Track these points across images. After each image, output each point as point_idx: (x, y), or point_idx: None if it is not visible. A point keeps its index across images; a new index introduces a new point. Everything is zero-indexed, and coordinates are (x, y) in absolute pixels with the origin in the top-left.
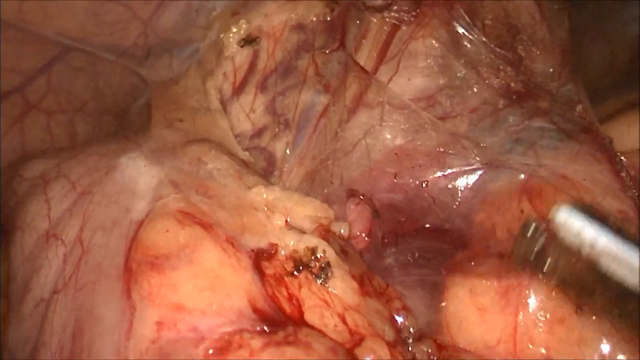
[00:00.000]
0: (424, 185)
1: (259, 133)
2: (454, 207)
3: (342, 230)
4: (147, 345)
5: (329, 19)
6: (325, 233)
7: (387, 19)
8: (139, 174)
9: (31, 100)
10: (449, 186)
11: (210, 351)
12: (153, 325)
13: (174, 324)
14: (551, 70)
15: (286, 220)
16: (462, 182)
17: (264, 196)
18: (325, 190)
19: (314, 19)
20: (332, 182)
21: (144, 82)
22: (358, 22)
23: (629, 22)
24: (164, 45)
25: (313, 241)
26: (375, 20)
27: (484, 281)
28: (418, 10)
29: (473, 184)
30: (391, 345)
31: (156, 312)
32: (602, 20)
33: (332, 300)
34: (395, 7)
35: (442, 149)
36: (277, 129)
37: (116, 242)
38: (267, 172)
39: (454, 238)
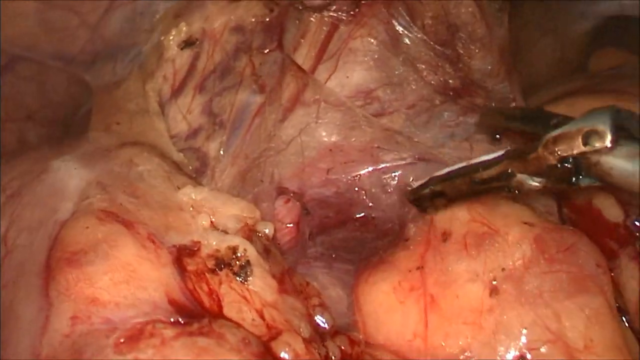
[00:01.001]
0: (356, 179)
1: (194, 134)
2: (384, 197)
3: (266, 230)
4: (60, 339)
5: (267, 19)
6: (250, 232)
7: (326, 19)
8: (69, 177)
9: None
10: (381, 179)
11: (122, 340)
12: (68, 320)
13: (88, 317)
14: (489, 67)
15: (211, 220)
16: (393, 175)
17: (192, 196)
18: (256, 189)
19: (253, 20)
20: (263, 181)
21: (89, 88)
22: (297, 21)
23: (578, 19)
24: (110, 50)
25: (235, 241)
26: (314, 20)
27: (392, 276)
28: (357, 10)
29: (403, 176)
30: (307, 341)
31: (71, 307)
32: (552, 16)
33: (251, 297)
34: (334, 7)
35: (375, 145)
36: (212, 130)
37: (40, 242)
38: (200, 172)
39: (377, 226)
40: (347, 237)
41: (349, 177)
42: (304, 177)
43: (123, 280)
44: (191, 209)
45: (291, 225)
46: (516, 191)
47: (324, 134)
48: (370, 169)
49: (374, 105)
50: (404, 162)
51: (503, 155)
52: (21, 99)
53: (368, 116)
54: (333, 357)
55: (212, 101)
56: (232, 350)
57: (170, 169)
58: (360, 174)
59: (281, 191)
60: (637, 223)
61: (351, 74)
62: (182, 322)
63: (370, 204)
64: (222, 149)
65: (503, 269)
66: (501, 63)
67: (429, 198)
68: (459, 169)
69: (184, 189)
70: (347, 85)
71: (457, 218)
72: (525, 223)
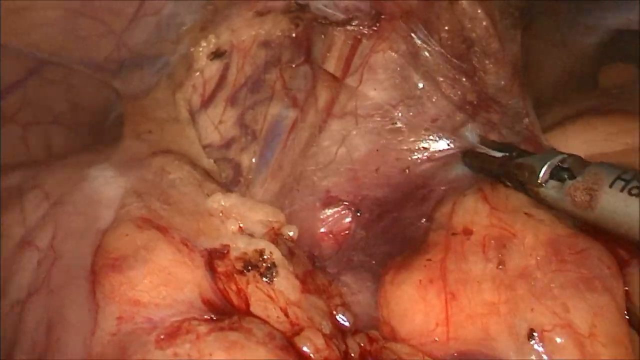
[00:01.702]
0: (406, 171)
1: (227, 144)
2: (433, 185)
3: (291, 233)
4: (108, 338)
5: (294, 34)
6: (276, 236)
7: (350, 33)
8: (106, 185)
9: (7, 113)
10: (430, 168)
11: (162, 336)
12: (114, 320)
13: (132, 317)
14: (502, 83)
15: (240, 226)
16: (438, 165)
17: (222, 202)
18: (296, 202)
19: (280, 34)
20: (303, 193)
21: (118, 95)
22: (323, 36)
23: (587, 33)
24: (136, 58)
25: (261, 244)
26: (337, 34)
27: (415, 275)
28: (378, 24)
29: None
30: (327, 337)
31: (116, 308)
32: (561, 30)
33: (276, 296)
34: (356, 22)
35: (419, 140)
36: (244, 141)
37: (85, 249)
38: (234, 181)
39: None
40: (389, 235)
41: (399, 169)
42: (356, 182)
43: (161, 282)
44: (220, 214)
45: (343, 232)
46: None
47: (366, 138)
48: (419, 159)
49: (398, 119)
50: (450, 151)
51: None
52: (47, 102)
53: (405, 116)
54: (352, 353)
55: (244, 114)
56: (259, 344)
57: (200, 177)
58: (409, 166)
59: (329, 201)
60: None
61: (375, 88)
62: (215, 318)
63: (421, 193)
64: (255, 159)
65: (518, 268)
66: (514, 79)
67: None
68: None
69: (214, 196)
70: (372, 99)
71: (478, 221)
72: (542, 228)
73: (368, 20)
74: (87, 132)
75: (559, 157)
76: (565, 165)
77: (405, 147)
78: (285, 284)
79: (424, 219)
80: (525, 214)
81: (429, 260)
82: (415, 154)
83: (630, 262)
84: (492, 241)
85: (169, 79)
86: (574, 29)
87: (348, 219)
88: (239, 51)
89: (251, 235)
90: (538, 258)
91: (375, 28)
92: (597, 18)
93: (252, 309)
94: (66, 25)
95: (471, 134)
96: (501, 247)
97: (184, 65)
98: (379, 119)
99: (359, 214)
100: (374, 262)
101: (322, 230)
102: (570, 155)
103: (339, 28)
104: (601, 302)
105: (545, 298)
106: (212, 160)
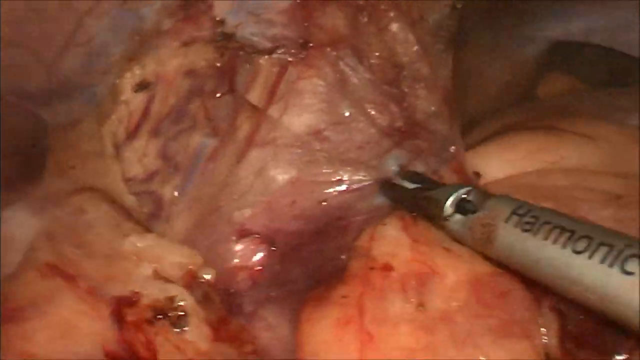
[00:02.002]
0: (323, 203)
1: (150, 177)
2: (352, 216)
3: (208, 276)
4: None
5: (219, 64)
6: (192, 279)
7: (276, 61)
8: (19, 227)
9: None
10: (349, 198)
11: None
12: None
13: None
14: (433, 108)
15: (155, 269)
16: (356, 196)
17: (137, 244)
18: (213, 234)
19: (204, 64)
20: (220, 225)
21: (46, 126)
22: (247, 65)
23: (526, 43)
24: (66, 89)
25: (173, 290)
26: (263, 63)
27: (331, 312)
28: (305, 52)
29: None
30: None
31: None
32: (501, 41)
33: (185, 347)
34: (283, 49)
35: (336, 172)
36: (167, 173)
37: None
38: (155, 216)
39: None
40: (307, 269)
41: (315, 202)
42: (270, 215)
43: (59, 335)
44: (134, 257)
45: (254, 267)
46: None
47: (284, 169)
48: (336, 191)
49: (324, 145)
50: (363, 184)
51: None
52: None
53: (325, 148)
54: None
55: (166, 145)
56: None
57: (119, 216)
58: (326, 199)
59: (243, 234)
60: None
61: (301, 114)
62: None
63: (340, 225)
64: (176, 192)
65: (439, 310)
66: (445, 104)
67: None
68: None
69: (130, 238)
70: (298, 125)
71: (399, 254)
72: (462, 266)
73: (295, 48)
74: (11, 164)
75: (464, 190)
76: (469, 198)
77: (322, 179)
78: (196, 333)
79: (344, 252)
80: (445, 248)
81: (346, 296)
82: (333, 185)
83: (542, 300)
84: (413, 279)
85: (97, 110)
86: (513, 40)
87: (262, 254)
88: (163, 82)
89: (166, 279)
90: (459, 301)
91: (302, 56)
92: (536, 29)
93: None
94: None
95: (394, 162)
96: (421, 286)
97: (110, 96)
98: (298, 150)
99: (273, 248)
100: (292, 297)
101: (236, 264)
102: (474, 187)
103: (265, 56)
104: (520, 348)
105: (465, 345)
106: (133, 198)
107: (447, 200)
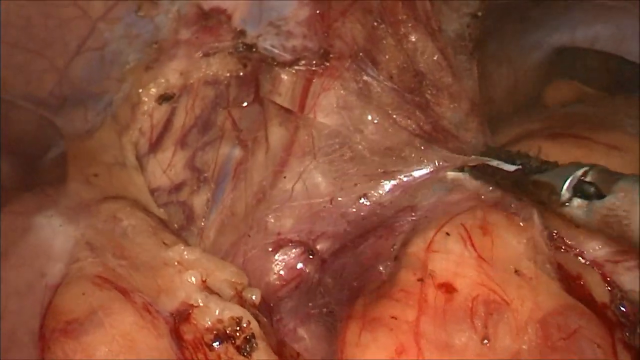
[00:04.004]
0: (362, 200)
1: (177, 188)
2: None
3: (253, 297)
4: None
5: (241, 74)
6: (241, 300)
7: (296, 72)
8: (54, 235)
9: None
10: (394, 196)
11: None
12: None
13: None
14: (459, 118)
15: (203, 280)
16: (400, 193)
17: (185, 255)
18: (246, 248)
19: (228, 75)
20: (254, 238)
21: (59, 132)
22: (268, 76)
23: (532, 50)
24: (79, 95)
25: (237, 310)
26: (284, 76)
27: (384, 337)
28: (327, 64)
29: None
30: None
31: None
32: (507, 47)
33: None
34: (304, 61)
35: (377, 166)
36: (196, 185)
37: (31, 308)
38: (185, 228)
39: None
40: (347, 278)
41: (354, 197)
42: (311, 217)
43: (121, 350)
44: (176, 264)
45: (292, 277)
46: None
47: (325, 170)
48: (375, 186)
49: (356, 146)
50: (411, 176)
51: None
52: None
53: (366, 141)
54: None
55: (195, 156)
56: None
57: (155, 224)
58: (366, 193)
59: (282, 243)
60: (622, 308)
61: (328, 126)
62: None
63: (378, 220)
64: (207, 204)
65: (507, 350)
66: (473, 115)
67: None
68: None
69: (175, 247)
70: (325, 137)
71: (464, 275)
72: (532, 298)
73: (316, 59)
74: (27, 166)
75: (581, 170)
76: (588, 179)
77: (363, 174)
78: (266, 357)
79: (388, 259)
80: (516, 272)
81: (398, 318)
82: (374, 181)
83: (614, 334)
84: (480, 307)
85: (114, 120)
86: (520, 47)
87: (300, 264)
88: (188, 93)
89: (218, 295)
90: (528, 341)
91: (323, 67)
92: (542, 36)
93: None
94: (9, 59)
95: (434, 157)
96: (488, 317)
97: (128, 105)
98: (336, 148)
99: (311, 256)
100: (332, 311)
101: (274, 277)
102: (592, 166)
103: (286, 68)
104: None
105: None
106: (162, 210)
107: (562, 184)
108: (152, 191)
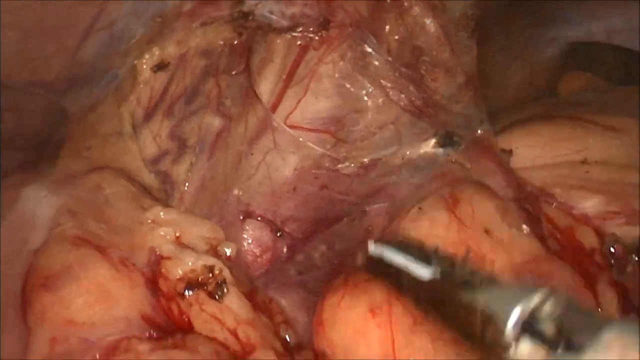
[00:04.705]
0: (324, 190)
1: (160, 157)
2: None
3: (228, 251)
4: None
5: (236, 42)
6: (215, 254)
7: (293, 40)
8: (38, 205)
9: None
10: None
11: (98, 356)
12: (46, 343)
13: (66, 338)
14: (453, 92)
15: (177, 236)
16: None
17: (161, 215)
18: (223, 213)
19: (222, 43)
20: (229, 205)
21: (65, 115)
22: (264, 44)
23: (548, 44)
24: (86, 74)
25: (210, 260)
26: (280, 42)
27: (358, 295)
28: (325, 32)
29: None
30: (280, 355)
31: (49, 330)
32: (522, 41)
33: (223, 317)
34: (301, 28)
35: (348, 156)
36: (177, 154)
37: (15, 273)
38: (168, 195)
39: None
40: (318, 256)
41: (316, 188)
42: (275, 199)
43: (96, 300)
44: (150, 221)
45: (262, 251)
46: None
47: (285, 157)
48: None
49: (345, 126)
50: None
51: None
52: None
53: (342, 132)
54: None
55: (178, 125)
56: None
57: (137, 191)
58: (326, 184)
59: (248, 215)
60: (611, 249)
61: (321, 99)
62: (156, 336)
63: (340, 208)
64: (189, 172)
65: None
66: (467, 89)
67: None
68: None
69: (152, 209)
70: (317, 110)
71: (438, 235)
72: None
73: (314, 26)
74: (35, 154)
75: (537, 296)
76: (547, 312)
77: (328, 164)
78: (237, 301)
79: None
80: (487, 232)
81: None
82: (341, 169)
83: (598, 278)
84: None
85: (116, 92)
86: (534, 42)
87: (267, 239)
88: (181, 62)
89: (191, 248)
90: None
91: (321, 35)
92: (557, 30)
93: (196, 330)
94: (21, 45)
95: (418, 136)
96: None
97: (129, 78)
98: (310, 135)
99: (279, 234)
100: (307, 283)
101: (246, 248)
102: (553, 292)
103: (283, 34)
104: None
105: None
106: (152, 175)
107: (509, 314)
108: (143, 159)
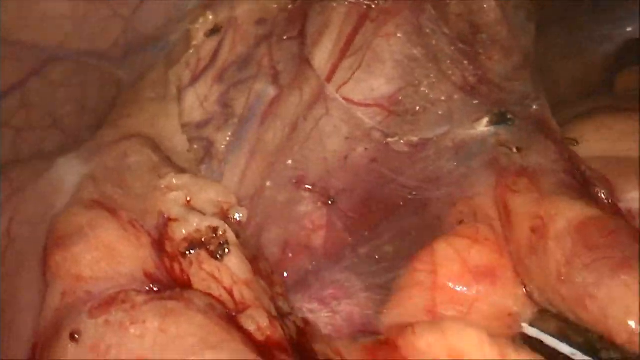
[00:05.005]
0: (373, 163)
1: (205, 123)
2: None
3: (239, 216)
4: (52, 314)
5: (290, 7)
6: (225, 218)
7: (353, 9)
8: (68, 173)
9: (3, 117)
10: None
11: (96, 306)
12: (58, 296)
13: (74, 292)
14: (508, 72)
15: (188, 200)
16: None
17: (173, 181)
18: (274, 180)
19: (276, 7)
20: (282, 172)
21: (118, 87)
22: (320, 11)
23: (602, 42)
24: (142, 42)
25: (215, 222)
26: (338, 10)
27: None
28: (383, 1)
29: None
30: (272, 317)
31: (61, 285)
32: (576, 39)
33: (221, 276)
34: None
35: (402, 127)
36: (222, 121)
37: (39, 234)
38: (205, 162)
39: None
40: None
41: (367, 164)
42: (327, 167)
43: (103, 257)
44: (163, 187)
45: (317, 222)
46: None
47: (339, 125)
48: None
49: (396, 105)
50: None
51: None
52: (47, 105)
53: (376, 126)
54: (292, 335)
55: (227, 92)
56: (198, 312)
57: (159, 160)
58: (376, 161)
59: (301, 181)
60: None
61: (375, 72)
62: (155, 289)
63: (395, 196)
64: (228, 140)
65: None
66: (523, 68)
67: None
68: None
69: (166, 177)
70: (372, 84)
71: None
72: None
73: None
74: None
75: None
76: None
77: (378, 137)
78: (237, 261)
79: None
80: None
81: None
82: (390, 143)
83: None
84: None
85: (167, 58)
86: (590, 39)
87: (321, 209)
88: (234, 28)
89: (200, 211)
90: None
91: (378, 2)
92: (613, 27)
93: (194, 287)
94: (74, 13)
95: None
96: None
97: (182, 43)
98: (362, 109)
99: (330, 202)
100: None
101: (300, 220)
102: None
103: (340, 1)
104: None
105: None
106: (184, 141)
107: None
108: (184, 125)
